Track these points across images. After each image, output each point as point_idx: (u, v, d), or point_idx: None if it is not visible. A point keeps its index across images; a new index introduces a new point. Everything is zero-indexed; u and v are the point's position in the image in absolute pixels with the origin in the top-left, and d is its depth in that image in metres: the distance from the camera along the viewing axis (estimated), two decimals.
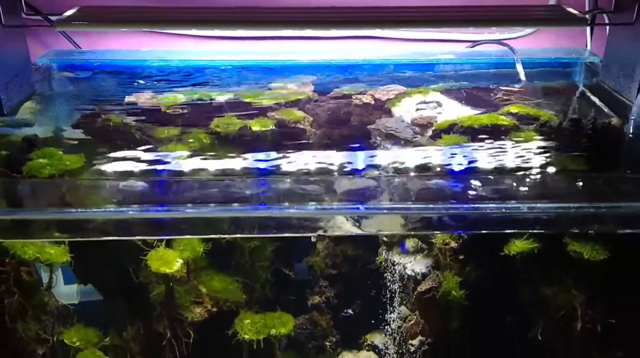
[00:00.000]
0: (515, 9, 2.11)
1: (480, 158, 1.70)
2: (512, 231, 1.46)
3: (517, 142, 1.79)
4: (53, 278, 1.85)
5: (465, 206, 1.36)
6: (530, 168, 1.62)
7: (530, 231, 1.39)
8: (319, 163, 1.66)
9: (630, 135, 1.84)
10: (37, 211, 1.41)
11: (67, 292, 2.23)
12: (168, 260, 1.92)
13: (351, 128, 1.97)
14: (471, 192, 1.38)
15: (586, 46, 2.46)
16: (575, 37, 2.53)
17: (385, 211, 1.36)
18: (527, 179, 1.44)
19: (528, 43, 2.56)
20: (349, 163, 1.68)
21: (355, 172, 1.59)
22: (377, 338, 2.21)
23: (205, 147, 1.84)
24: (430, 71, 2.43)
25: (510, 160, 1.69)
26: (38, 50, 2.41)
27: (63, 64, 2.37)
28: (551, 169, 1.63)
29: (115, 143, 1.84)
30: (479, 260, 1.84)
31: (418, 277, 1.94)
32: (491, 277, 1.84)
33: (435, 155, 1.74)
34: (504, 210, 1.35)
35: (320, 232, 1.37)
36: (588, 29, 2.44)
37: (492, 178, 1.47)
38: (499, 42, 2.43)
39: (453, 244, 1.85)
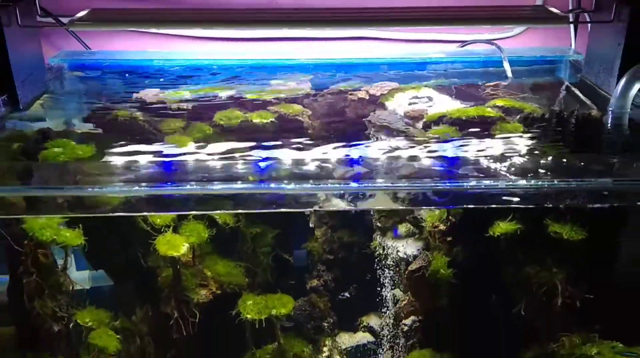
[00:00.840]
0: (501, 9, 2.25)
1: (469, 145, 1.82)
2: (494, 206, 1.56)
3: (501, 131, 1.91)
4: (68, 261, 1.95)
5: (450, 183, 1.48)
6: (513, 151, 1.74)
7: (509, 206, 1.49)
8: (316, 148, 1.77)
9: (608, 125, 1.95)
10: (52, 188, 1.52)
11: (79, 278, 2.34)
12: (175, 244, 2.04)
13: (347, 120, 2.09)
14: (456, 171, 1.50)
15: (571, 45, 2.58)
16: (561, 38, 2.66)
17: (376, 188, 1.47)
18: (509, 160, 1.55)
19: (516, 43, 2.68)
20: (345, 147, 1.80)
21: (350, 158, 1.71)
22: (373, 320, 2.33)
23: (208, 137, 1.95)
24: (423, 69, 2.55)
25: (495, 145, 1.81)
26: (49, 52, 2.53)
27: (74, 64, 2.49)
28: (532, 152, 1.75)
29: (123, 135, 1.95)
30: (465, 241, 1.96)
31: (410, 259, 2.05)
32: (477, 257, 1.96)
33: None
34: (483, 186, 1.47)
35: (316, 207, 1.48)
36: (572, 29, 2.56)
37: (477, 159, 1.58)
38: (487, 41, 2.55)
39: (442, 227, 1.97)
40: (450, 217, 1.98)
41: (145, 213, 1.73)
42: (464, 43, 2.62)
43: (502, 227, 1.90)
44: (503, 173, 1.49)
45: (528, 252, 1.92)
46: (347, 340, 2.37)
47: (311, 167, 1.52)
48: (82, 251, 2.10)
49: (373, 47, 2.69)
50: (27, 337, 1.95)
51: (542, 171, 1.51)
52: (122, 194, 1.50)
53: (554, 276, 1.90)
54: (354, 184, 1.46)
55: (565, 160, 1.56)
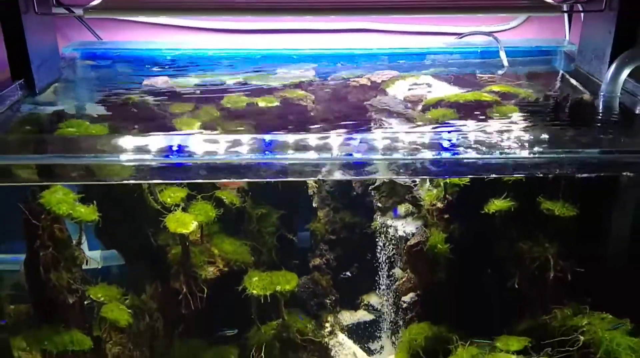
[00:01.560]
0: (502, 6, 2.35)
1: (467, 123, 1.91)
2: (489, 176, 1.65)
3: (497, 113, 2.00)
4: (82, 236, 2.05)
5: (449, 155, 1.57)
6: (510, 127, 1.83)
7: (504, 175, 1.58)
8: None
9: (600, 108, 2.04)
10: (69, 157, 1.61)
11: (92, 257, 2.43)
12: (184, 222, 2.14)
13: (349, 103, 2.18)
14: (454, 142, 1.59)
15: (565, 37, 2.67)
16: (556, 30, 2.75)
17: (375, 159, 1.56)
18: (505, 135, 1.63)
19: (513, 36, 2.78)
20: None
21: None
22: (373, 299, 2.42)
23: (215, 119, 2.04)
24: (422, 60, 2.64)
25: (492, 123, 1.90)
26: (62, 43, 2.61)
27: (86, 53, 2.59)
28: (526, 127, 1.84)
29: (134, 116, 2.04)
30: (462, 219, 2.05)
31: (409, 237, 2.14)
32: (473, 233, 2.05)
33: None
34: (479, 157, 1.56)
35: (318, 177, 1.56)
36: (566, 21, 2.65)
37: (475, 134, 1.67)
38: (484, 33, 2.64)
39: (439, 205, 2.06)
40: (447, 195, 2.07)
41: (155, 181, 1.79)
42: (462, 35, 2.71)
43: (496, 204, 1.99)
44: (498, 144, 1.57)
45: (521, 228, 2.00)
46: (348, 317, 2.45)
47: (313, 141, 1.60)
48: (94, 230, 2.20)
49: (374, 39, 2.78)
50: (42, 309, 2.03)
51: (534, 143, 1.59)
52: (134, 163, 1.58)
53: (546, 251, 1.99)
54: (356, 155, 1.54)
55: (556, 134, 1.64)
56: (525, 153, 1.58)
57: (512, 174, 1.60)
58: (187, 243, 2.17)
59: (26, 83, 2.11)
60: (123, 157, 1.58)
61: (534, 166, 1.58)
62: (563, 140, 1.61)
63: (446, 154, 1.53)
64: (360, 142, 1.62)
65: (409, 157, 1.56)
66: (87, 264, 2.10)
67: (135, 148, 1.58)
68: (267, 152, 1.54)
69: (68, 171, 1.60)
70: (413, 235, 2.15)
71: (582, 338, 1.89)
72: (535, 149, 1.56)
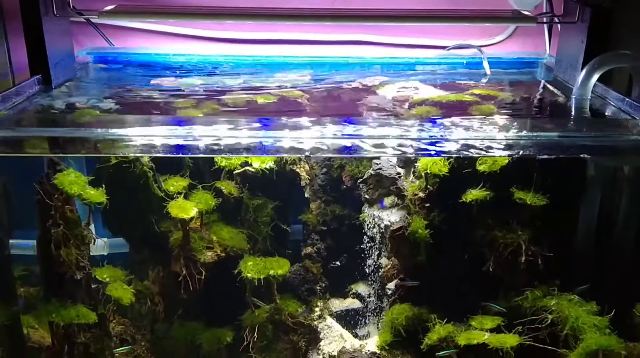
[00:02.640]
0: (482, 12, 2.54)
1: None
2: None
3: (477, 110, 2.17)
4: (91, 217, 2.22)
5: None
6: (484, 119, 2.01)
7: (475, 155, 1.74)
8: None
9: (572, 109, 2.21)
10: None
11: (98, 244, 2.59)
12: (185, 208, 2.31)
13: (342, 102, 2.36)
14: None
15: (545, 51, 2.86)
16: (538, 45, 2.94)
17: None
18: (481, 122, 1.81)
19: (498, 50, 2.97)
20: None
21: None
22: (361, 287, 2.58)
23: (216, 111, 2.21)
24: (412, 69, 2.83)
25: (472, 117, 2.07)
26: (76, 48, 2.80)
27: (98, 57, 2.78)
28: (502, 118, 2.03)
29: (141, 108, 2.22)
30: (441, 207, 2.22)
31: (393, 226, 2.31)
32: (451, 220, 2.22)
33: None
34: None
35: (307, 153, 1.73)
36: (547, 35, 2.84)
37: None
38: (469, 45, 2.83)
39: (421, 194, 2.23)
40: (428, 186, 2.24)
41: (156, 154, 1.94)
42: (449, 47, 2.89)
43: (473, 194, 2.16)
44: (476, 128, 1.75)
45: (496, 216, 2.16)
46: (337, 304, 2.61)
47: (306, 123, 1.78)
48: (102, 216, 2.38)
49: (367, 50, 2.97)
50: (52, 284, 2.19)
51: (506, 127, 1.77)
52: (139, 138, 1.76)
53: (518, 237, 2.14)
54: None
55: (525, 122, 1.82)
56: (497, 135, 1.74)
57: (486, 153, 1.74)
58: (188, 228, 2.33)
59: (43, 78, 2.28)
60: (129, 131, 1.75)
61: (507, 147, 1.74)
62: (530, 125, 1.78)
63: (430, 133, 1.70)
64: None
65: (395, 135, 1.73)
66: (94, 244, 2.26)
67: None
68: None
69: (77, 145, 1.77)
70: (397, 222, 2.31)
71: (550, 317, 2.04)
72: (506, 132, 1.73)
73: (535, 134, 1.73)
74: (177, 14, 2.45)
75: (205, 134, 1.73)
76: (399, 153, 1.71)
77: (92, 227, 2.35)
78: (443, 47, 2.95)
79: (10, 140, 1.78)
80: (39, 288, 2.35)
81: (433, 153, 1.70)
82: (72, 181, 2.12)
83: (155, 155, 1.96)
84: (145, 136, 1.76)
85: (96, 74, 2.70)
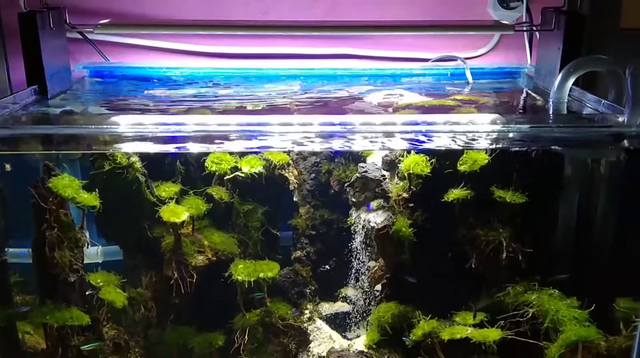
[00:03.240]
0: (463, 21, 2.64)
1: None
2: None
3: (458, 112, 2.25)
4: (84, 220, 2.29)
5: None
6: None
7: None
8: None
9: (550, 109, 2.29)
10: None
11: (92, 252, 2.66)
12: (177, 212, 2.38)
13: (329, 107, 2.43)
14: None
15: (527, 61, 2.95)
16: (520, 57, 3.02)
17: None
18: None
19: (482, 62, 3.06)
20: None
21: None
22: (350, 291, 2.64)
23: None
24: (398, 80, 2.91)
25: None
26: (72, 64, 2.90)
27: (94, 71, 2.86)
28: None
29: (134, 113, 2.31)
30: (424, 206, 2.29)
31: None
32: (434, 219, 2.29)
33: None
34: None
35: (291, 147, 1.81)
36: (527, 47, 2.93)
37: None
38: (452, 56, 2.92)
39: (405, 195, 2.30)
40: (411, 187, 2.31)
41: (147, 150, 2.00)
42: (433, 59, 2.98)
43: (455, 193, 2.23)
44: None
45: (477, 214, 2.23)
46: (327, 308, 2.67)
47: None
48: (96, 222, 2.44)
49: (354, 64, 3.06)
50: (46, 286, 2.25)
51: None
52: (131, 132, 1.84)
53: (500, 235, 2.21)
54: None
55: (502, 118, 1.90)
56: (476, 128, 1.83)
57: (468, 145, 1.82)
58: (179, 232, 2.39)
59: (40, 89, 2.37)
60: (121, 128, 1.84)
61: (485, 138, 1.82)
62: (505, 120, 1.86)
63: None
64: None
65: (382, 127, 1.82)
66: (88, 247, 2.32)
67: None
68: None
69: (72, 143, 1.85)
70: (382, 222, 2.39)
71: (530, 310, 2.10)
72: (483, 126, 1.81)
73: (508, 127, 1.80)
74: (169, 27, 2.54)
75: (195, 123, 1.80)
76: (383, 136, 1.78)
77: (86, 233, 2.41)
78: (427, 60, 3.04)
79: (7, 138, 1.85)
80: (34, 296, 2.40)
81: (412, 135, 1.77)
82: (66, 184, 2.19)
83: (146, 150, 2.01)
84: (137, 126, 1.83)
85: (92, 87, 2.78)
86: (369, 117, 1.89)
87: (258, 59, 3.03)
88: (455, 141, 1.81)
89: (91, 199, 2.25)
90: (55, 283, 2.25)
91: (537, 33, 2.69)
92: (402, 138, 1.82)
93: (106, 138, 1.86)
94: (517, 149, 1.95)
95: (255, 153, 2.45)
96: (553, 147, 1.95)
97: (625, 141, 1.87)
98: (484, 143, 1.83)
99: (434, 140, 1.82)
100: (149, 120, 1.87)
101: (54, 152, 2.18)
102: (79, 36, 2.74)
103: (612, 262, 2.19)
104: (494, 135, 1.82)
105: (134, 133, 1.83)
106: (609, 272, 2.21)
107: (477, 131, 1.81)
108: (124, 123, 1.85)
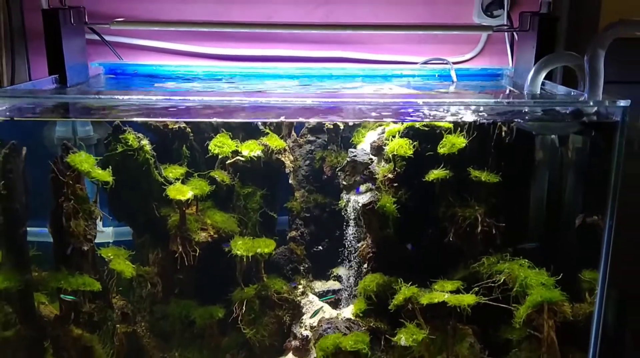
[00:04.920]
0: (447, 24, 2.89)
1: None
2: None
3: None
4: (98, 195, 2.51)
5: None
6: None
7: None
8: None
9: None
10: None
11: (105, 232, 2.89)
12: (182, 191, 2.60)
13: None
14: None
15: (509, 64, 3.19)
16: (504, 62, 3.27)
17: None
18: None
19: (469, 66, 3.30)
20: None
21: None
22: (341, 270, 2.85)
23: None
24: (389, 80, 3.15)
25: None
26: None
27: (108, 68, 3.11)
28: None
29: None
30: (408, 186, 2.52)
31: (364, 201, 2.60)
32: (417, 198, 2.51)
33: None
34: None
35: (282, 118, 2.04)
36: (509, 51, 3.17)
37: None
38: (439, 59, 3.15)
39: (390, 176, 2.52)
40: (396, 168, 2.53)
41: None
42: (421, 62, 3.22)
43: (435, 174, 2.45)
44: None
45: (455, 193, 2.45)
46: (319, 286, 2.88)
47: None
48: (108, 202, 2.67)
49: (348, 67, 3.29)
50: (61, 254, 2.47)
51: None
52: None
53: (475, 211, 2.43)
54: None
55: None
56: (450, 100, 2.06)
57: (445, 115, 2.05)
58: (184, 209, 2.61)
59: (60, 78, 2.61)
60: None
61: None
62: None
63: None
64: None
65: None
66: (101, 220, 2.55)
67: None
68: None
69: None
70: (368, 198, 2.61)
71: (502, 277, 2.30)
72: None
73: (476, 100, 2.04)
74: (179, 24, 2.80)
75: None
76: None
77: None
78: (416, 63, 3.29)
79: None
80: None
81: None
82: (83, 159, 2.42)
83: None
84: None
85: (107, 81, 3.03)
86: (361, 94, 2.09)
87: (260, 61, 3.28)
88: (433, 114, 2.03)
89: (105, 175, 2.47)
90: (70, 252, 2.45)
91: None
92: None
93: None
94: (483, 122, 2.16)
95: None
96: (517, 120, 2.17)
97: (585, 118, 2.09)
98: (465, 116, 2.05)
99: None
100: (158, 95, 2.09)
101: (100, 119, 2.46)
102: (96, 38, 2.99)
103: (577, 235, 2.40)
104: (467, 108, 2.05)
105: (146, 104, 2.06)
106: (574, 245, 2.41)
107: (451, 103, 2.04)
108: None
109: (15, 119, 2.11)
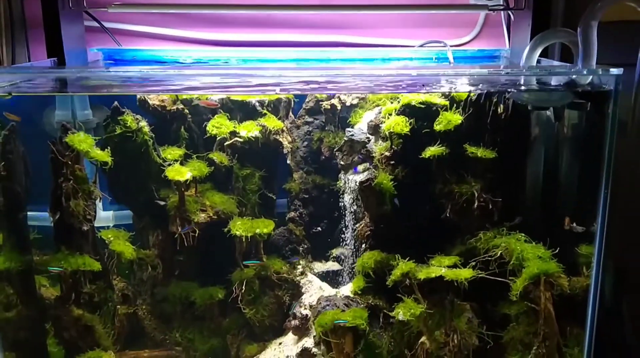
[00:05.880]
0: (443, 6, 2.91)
1: None
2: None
3: None
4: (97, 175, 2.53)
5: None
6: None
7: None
8: None
9: None
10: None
11: (104, 216, 2.90)
12: (181, 172, 2.61)
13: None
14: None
15: (505, 45, 3.20)
16: (502, 44, 3.28)
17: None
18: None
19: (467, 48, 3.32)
20: None
21: None
22: (340, 250, 2.87)
23: None
24: (387, 63, 3.17)
25: None
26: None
27: (107, 54, 3.13)
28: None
29: None
30: (404, 163, 2.53)
31: (362, 179, 2.61)
32: (414, 174, 2.52)
33: None
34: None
35: (277, 90, 2.05)
36: (506, 33, 3.18)
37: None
38: (436, 41, 3.16)
39: (387, 154, 2.54)
40: (393, 146, 2.55)
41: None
42: (420, 45, 3.23)
43: (431, 151, 2.46)
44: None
45: (452, 169, 2.46)
46: (318, 266, 2.90)
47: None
48: (108, 185, 2.68)
49: (347, 51, 3.31)
50: (61, 233, 2.48)
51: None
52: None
53: (472, 187, 2.44)
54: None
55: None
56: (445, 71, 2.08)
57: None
58: (183, 190, 2.63)
59: (58, 61, 2.63)
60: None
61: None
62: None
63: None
64: None
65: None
66: (100, 200, 2.56)
67: None
68: None
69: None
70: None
71: (498, 251, 2.31)
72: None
73: (471, 72, 2.05)
74: (177, 6, 2.82)
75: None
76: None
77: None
78: (413, 46, 3.30)
79: None
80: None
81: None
82: (82, 139, 2.44)
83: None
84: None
85: (105, 66, 3.05)
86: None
87: (257, 46, 3.29)
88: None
89: (104, 155, 2.49)
90: (70, 232, 2.47)
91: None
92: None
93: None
94: (479, 92, 2.17)
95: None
96: (510, 90, 2.18)
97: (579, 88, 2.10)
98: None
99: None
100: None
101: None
102: (95, 25, 3.00)
103: (573, 210, 2.41)
104: (462, 79, 2.06)
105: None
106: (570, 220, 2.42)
107: (445, 74, 2.05)
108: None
109: (13, 94, 2.11)
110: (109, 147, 2.55)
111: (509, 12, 2.93)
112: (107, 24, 2.99)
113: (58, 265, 2.46)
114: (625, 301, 2.46)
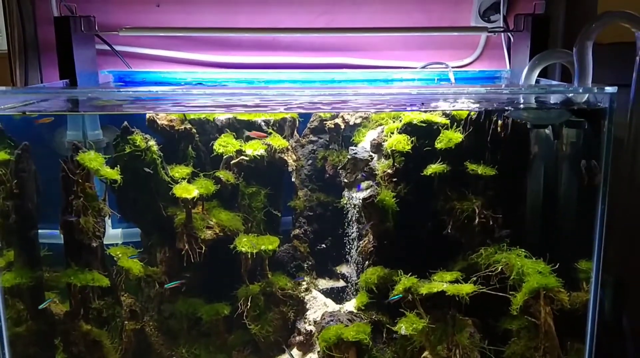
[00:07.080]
0: (448, 28, 2.99)
1: None
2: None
3: None
4: (107, 193, 2.60)
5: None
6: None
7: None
8: None
9: None
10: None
11: (113, 234, 2.96)
12: (188, 189, 2.68)
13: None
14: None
15: (506, 67, 3.27)
16: (503, 66, 3.35)
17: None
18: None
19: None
20: None
21: None
22: (344, 268, 2.92)
23: None
24: (390, 84, 3.24)
25: None
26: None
27: (117, 76, 3.22)
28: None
29: None
30: (406, 180, 2.59)
31: (365, 195, 2.66)
32: (415, 192, 2.58)
33: None
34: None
35: (282, 109, 2.12)
36: (506, 55, 3.25)
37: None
38: (438, 63, 3.24)
39: (389, 171, 2.60)
40: (395, 164, 2.61)
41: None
42: (422, 66, 3.30)
43: (432, 168, 2.52)
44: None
45: (453, 186, 2.52)
46: (323, 283, 2.94)
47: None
48: (116, 201, 2.75)
49: (352, 74, 3.38)
50: (71, 249, 2.54)
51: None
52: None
53: (472, 204, 2.49)
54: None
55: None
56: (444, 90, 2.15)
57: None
58: (190, 207, 2.69)
59: (70, 82, 2.72)
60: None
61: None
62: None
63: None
64: None
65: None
66: (109, 217, 2.63)
67: None
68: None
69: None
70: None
71: (499, 266, 2.36)
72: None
73: (469, 90, 2.11)
74: (186, 29, 2.90)
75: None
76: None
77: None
78: (415, 68, 3.37)
79: None
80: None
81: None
82: (92, 158, 2.51)
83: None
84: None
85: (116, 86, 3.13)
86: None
87: (264, 68, 3.37)
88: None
89: (113, 173, 2.55)
90: (80, 248, 2.53)
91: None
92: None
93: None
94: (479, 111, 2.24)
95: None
96: (509, 108, 2.24)
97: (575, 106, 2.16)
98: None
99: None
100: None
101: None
102: (106, 48, 3.09)
103: (572, 226, 2.45)
104: (461, 97, 2.13)
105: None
106: (569, 235, 2.47)
107: (444, 93, 2.12)
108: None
109: (27, 113, 2.19)
110: (118, 165, 2.60)
111: (509, 34, 2.99)
112: (117, 47, 3.08)
113: (69, 281, 2.50)
114: (626, 316, 2.49)
